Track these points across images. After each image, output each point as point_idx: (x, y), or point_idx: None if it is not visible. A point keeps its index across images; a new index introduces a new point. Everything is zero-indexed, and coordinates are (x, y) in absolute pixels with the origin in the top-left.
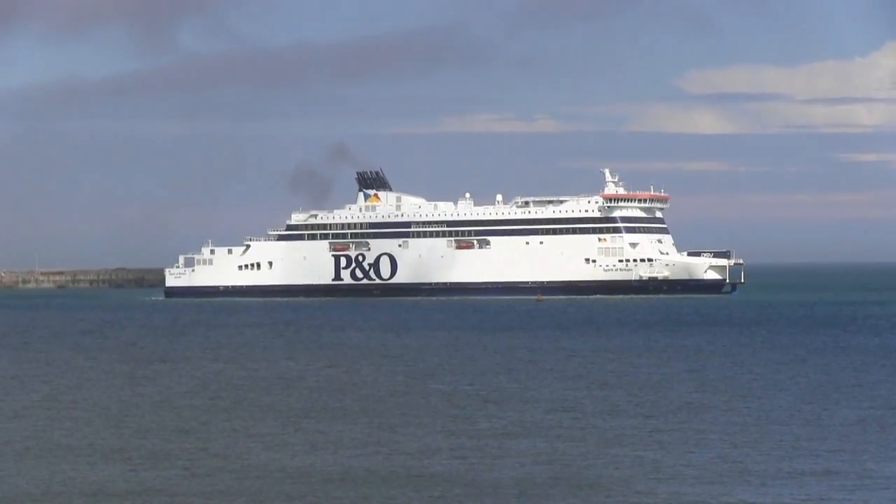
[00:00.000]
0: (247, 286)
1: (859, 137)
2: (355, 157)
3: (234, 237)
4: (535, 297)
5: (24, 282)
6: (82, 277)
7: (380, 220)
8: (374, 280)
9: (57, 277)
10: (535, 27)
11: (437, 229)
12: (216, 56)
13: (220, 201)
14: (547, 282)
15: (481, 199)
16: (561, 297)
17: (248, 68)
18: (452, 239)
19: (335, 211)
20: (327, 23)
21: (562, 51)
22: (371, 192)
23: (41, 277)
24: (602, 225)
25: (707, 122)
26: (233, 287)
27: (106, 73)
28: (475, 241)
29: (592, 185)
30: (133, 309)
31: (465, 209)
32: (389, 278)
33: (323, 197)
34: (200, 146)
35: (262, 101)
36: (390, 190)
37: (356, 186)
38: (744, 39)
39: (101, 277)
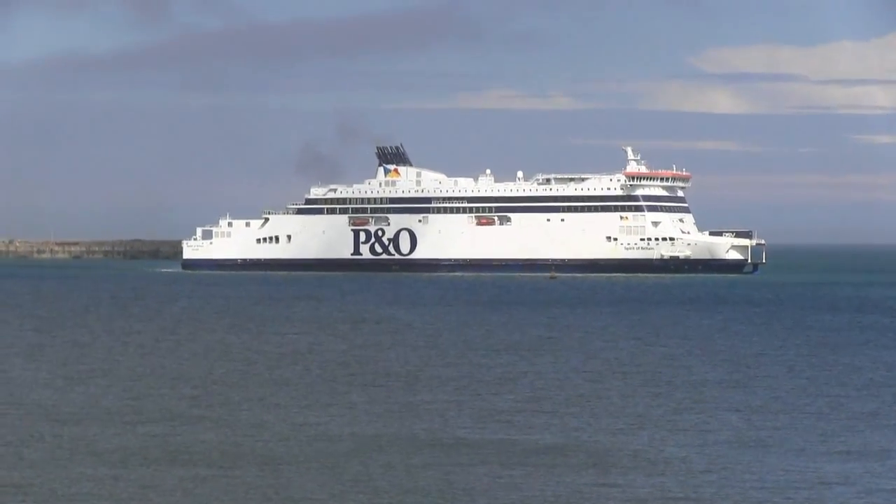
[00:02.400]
0: (265, 259)
1: (875, 119)
2: (366, 132)
3: (240, 211)
4: (548, 275)
5: (39, 252)
6: (97, 249)
7: (400, 195)
8: (394, 255)
9: (72, 248)
10: (537, 4)
11: (457, 205)
12: (215, 31)
13: (226, 176)
14: (568, 259)
15: (499, 175)
16: (582, 274)
17: (248, 44)
18: (473, 215)
19: (354, 185)
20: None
21: (573, 28)
22: (391, 167)
23: (56, 248)
24: (624, 203)
25: (722, 102)
26: (251, 260)
27: (107, 47)
28: (496, 218)
29: (610, 163)
30: (148, 282)
31: (486, 185)
32: (409, 254)
33: (333, 176)
34: (207, 121)
35: (266, 76)
36: (410, 165)
37: (367, 161)
38: (760, 19)
39: (115, 249)
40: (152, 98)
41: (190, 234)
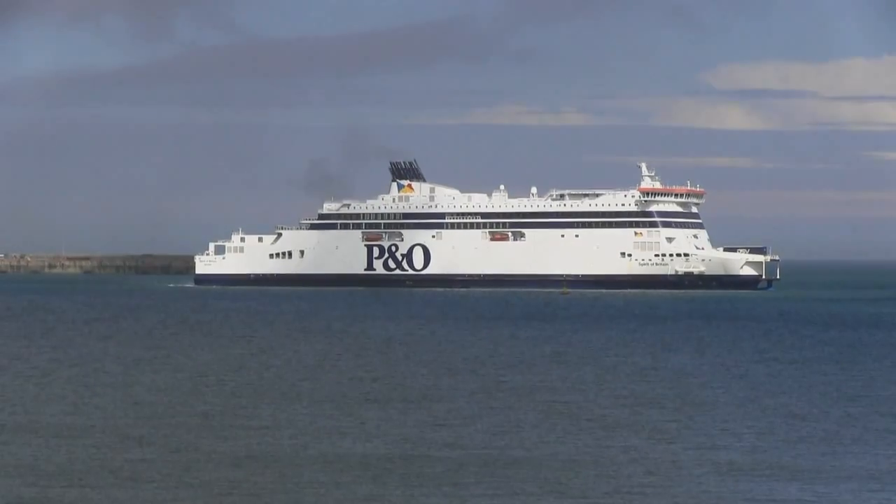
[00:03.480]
0: (278, 274)
1: (886, 136)
2: (374, 148)
3: (248, 227)
4: (560, 290)
5: (51, 267)
6: (108, 263)
7: (413, 210)
8: (407, 271)
9: (83, 263)
10: (544, 21)
11: (471, 221)
12: (219, 48)
13: (234, 192)
14: (582, 275)
15: (513, 190)
16: (597, 290)
17: (253, 60)
18: (487, 231)
19: (368, 201)
20: (326, 16)
21: (582, 46)
22: (405, 182)
23: (67, 263)
24: (638, 219)
25: (734, 118)
26: (263, 275)
27: (112, 64)
28: (510, 233)
29: (624, 179)
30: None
31: (500, 201)
32: (422, 269)
33: (341, 194)
34: (213, 138)
35: (271, 93)
36: (424, 181)
37: (375, 178)
38: (772, 36)
39: (127, 264)
40: (158, 114)
41: (199, 250)
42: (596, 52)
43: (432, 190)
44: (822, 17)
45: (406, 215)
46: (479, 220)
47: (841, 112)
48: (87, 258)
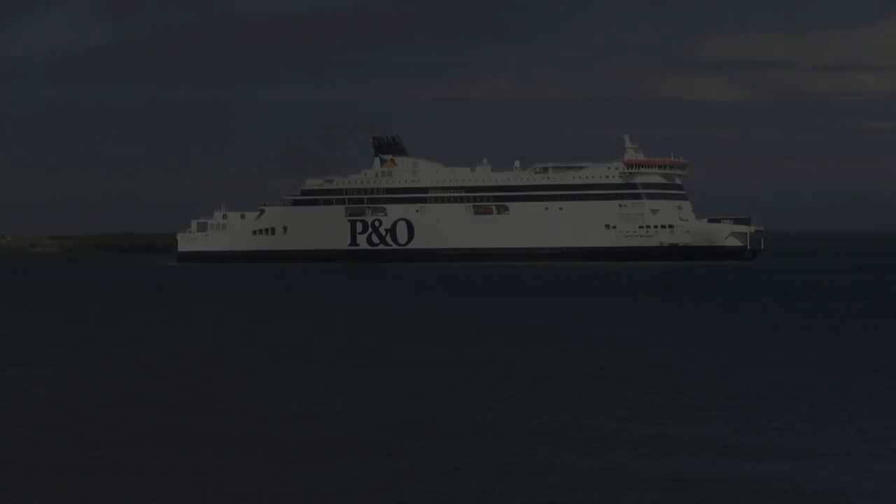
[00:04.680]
0: (261, 251)
1: (867, 105)
2: (351, 124)
3: (228, 204)
4: (539, 264)
5: (32, 246)
6: (90, 242)
7: (396, 185)
8: (391, 245)
9: (65, 242)
10: None
11: (455, 195)
12: (187, 25)
13: (210, 170)
14: (567, 248)
15: (495, 164)
16: (582, 263)
17: (225, 37)
18: (470, 204)
19: (351, 176)
20: None
21: (560, 18)
22: (387, 157)
23: (49, 242)
24: (623, 191)
25: (714, 90)
26: (247, 252)
27: (83, 43)
28: (494, 207)
29: (606, 151)
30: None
31: (483, 175)
32: (406, 244)
33: (322, 171)
34: (191, 115)
35: (245, 69)
36: (406, 155)
37: (355, 153)
38: (751, 6)
39: (108, 242)
40: (134, 93)
41: (180, 227)
42: (572, 26)
43: (415, 164)
44: None
45: (389, 190)
46: (463, 194)
47: (821, 82)
48: (68, 237)
